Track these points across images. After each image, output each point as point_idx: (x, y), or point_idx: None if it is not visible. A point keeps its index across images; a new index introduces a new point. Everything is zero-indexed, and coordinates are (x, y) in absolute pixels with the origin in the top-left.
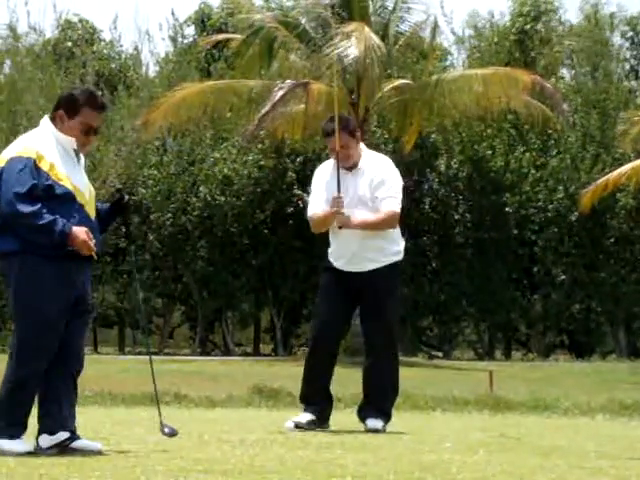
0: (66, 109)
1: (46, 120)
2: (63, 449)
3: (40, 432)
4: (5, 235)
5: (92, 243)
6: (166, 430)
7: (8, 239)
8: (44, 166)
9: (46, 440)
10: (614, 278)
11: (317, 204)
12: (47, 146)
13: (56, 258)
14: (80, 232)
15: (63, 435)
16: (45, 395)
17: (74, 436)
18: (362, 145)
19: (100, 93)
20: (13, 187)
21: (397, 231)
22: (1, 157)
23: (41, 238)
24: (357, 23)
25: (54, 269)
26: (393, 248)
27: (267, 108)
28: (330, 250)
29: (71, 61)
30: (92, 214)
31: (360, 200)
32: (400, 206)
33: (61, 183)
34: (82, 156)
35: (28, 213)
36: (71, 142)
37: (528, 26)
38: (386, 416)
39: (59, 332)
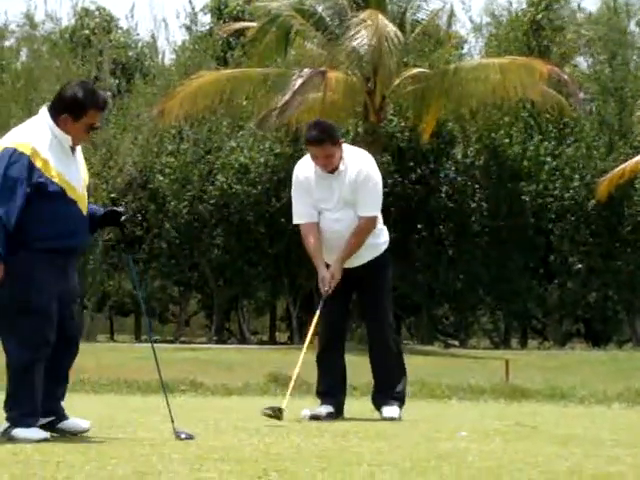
0: (71, 113)
1: (45, 112)
2: (52, 429)
3: None
4: None
5: None
6: (182, 436)
7: None
8: (38, 163)
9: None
10: (631, 266)
11: (303, 211)
12: (43, 141)
13: (46, 251)
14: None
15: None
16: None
17: (58, 419)
18: (343, 145)
19: (107, 89)
20: None
21: (381, 222)
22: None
23: None
24: (371, 11)
25: (45, 262)
26: (376, 241)
27: (288, 97)
28: (323, 247)
29: (88, 49)
30: (85, 209)
31: (345, 202)
32: (377, 207)
33: (54, 180)
34: (78, 147)
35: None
36: (68, 140)
37: (540, 15)
38: (399, 400)
39: (54, 321)
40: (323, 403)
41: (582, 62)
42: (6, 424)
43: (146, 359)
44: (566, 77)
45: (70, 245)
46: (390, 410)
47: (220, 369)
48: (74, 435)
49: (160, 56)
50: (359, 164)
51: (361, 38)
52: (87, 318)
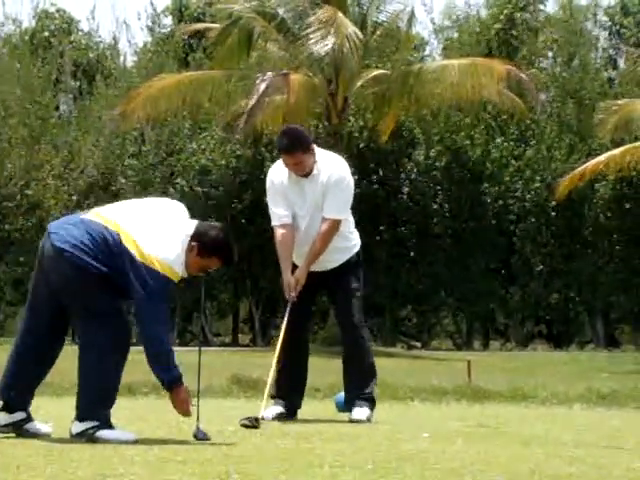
0: (204, 248)
1: (188, 236)
2: (17, 428)
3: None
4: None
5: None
6: (200, 435)
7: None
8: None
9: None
10: (592, 268)
11: (277, 214)
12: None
13: None
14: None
15: (20, 415)
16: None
17: (29, 418)
18: (316, 149)
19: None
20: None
21: (347, 227)
22: (153, 254)
23: (156, 361)
24: (332, 10)
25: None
26: (347, 244)
27: (254, 101)
28: (295, 251)
29: (48, 51)
30: None
31: (317, 206)
32: (344, 211)
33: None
34: None
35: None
36: (182, 271)
37: (518, 15)
38: (369, 402)
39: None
40: (275, 404)
41: (546, 64)
42: (85, 425)
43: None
44: (525, 77)
45: None
46: (359, 412)
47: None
48: (35, 438)
49: (121, 58)
50: (331, 168)
51: (321, 38)
52: None
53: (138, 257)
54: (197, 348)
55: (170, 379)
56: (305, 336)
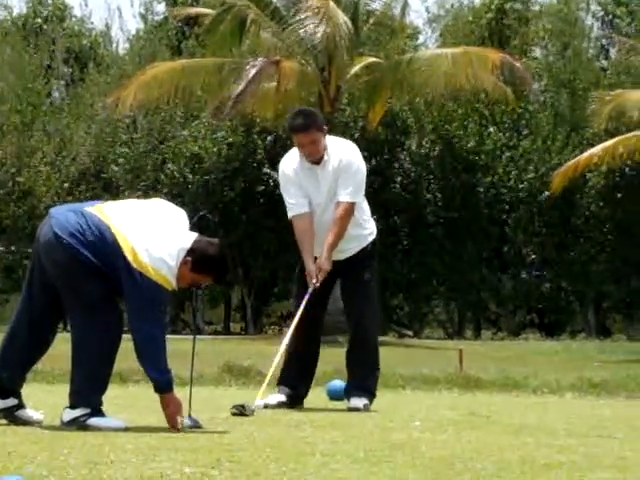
0: (198, 265)
1: (184, 250)
2: (9, 414)
3: None
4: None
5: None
6: (191, 423)
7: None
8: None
9: None
10: (584, 257)
11: (294, 203)
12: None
13: None
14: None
15: (12, 401)
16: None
17: (21, 404)
18: (327, 135)
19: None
20: (155, 317)
21: (361, 214)
22: (149, 263)
23: (146, 356)
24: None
25: None
26: (362, 232)
27: (242, 86)
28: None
29: (41, 38)
30: None
31: (331, 192)
32: (357, 195)
33: None
34: None
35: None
36: (173, 282)
37: (508, 5)
38: (368, 392)
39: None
40: (279, 392)
41: (538, 54)
42: (76, 412)
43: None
44: (518, 65)
45: None
46: (356, 401)
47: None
48: (26, 425)
49: (114, 45)
50: (341, 152)
51: (311, 26)
52: None
53: (133, 263)
54: (190, 336)
55: (163, 381)
56: (318, 326)
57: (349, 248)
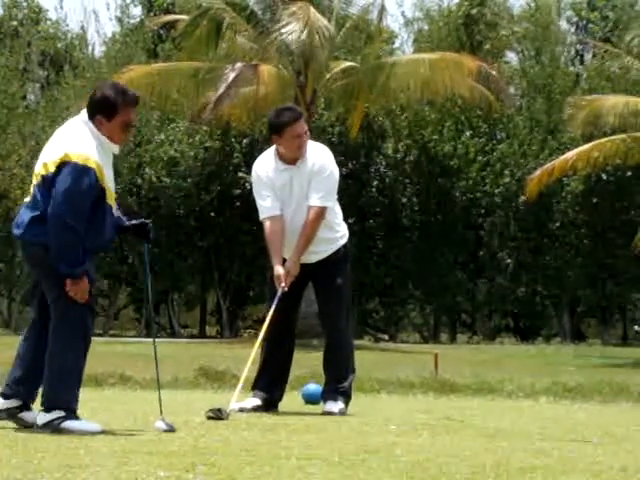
0: (104, 113)
1: (86, 121)
2: (10, 415)
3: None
4: (42, 227)
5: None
6: (165, 426)
7: (44, 231)
8: (99, 173)
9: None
10: (559, 262)
11: (266, 206)
12: (95, 151)
13: (89, 250)
14: (86, 284)
15: (15, 402)
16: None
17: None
18: None
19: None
20: (71, 193)
21: (333, 218)
22: (55, 157)
23: (59, 254)
24: (302, 3)
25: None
26: (333, 235)
27: (222, 90)
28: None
29: (16, 40)
30: (114, 211)
31: (302, 195)
32: (328, 199)
33: (105, 189)
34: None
35: (74, 228)
36: (115, 148)
37: (475, 10)
38: (344, 396)
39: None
40: (253, 396)
41: (513, 58)
42: (51, 416)
43: None
44: (494, 73)
45: (104, 245)
46: (332, 405)
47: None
48: (25, 427)
49: (90, 48)
50: (315, 156)
51: (292, 31)
52: (15, 311)
53: (50, 170)
54: (165, 340)
55: (78, 272)
56: (291, 329)
57: (320, 250)
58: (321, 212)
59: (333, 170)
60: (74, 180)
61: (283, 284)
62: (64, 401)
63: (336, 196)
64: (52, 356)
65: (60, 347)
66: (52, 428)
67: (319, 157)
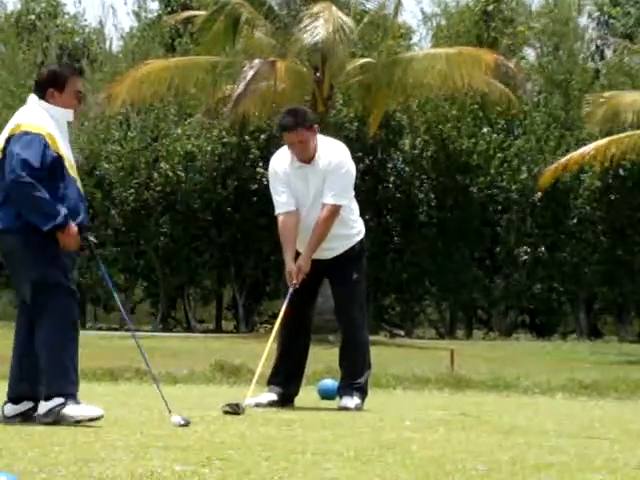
0: (55, 85)
1: (35, 98)
2: (27, 418)
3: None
4: (9, 210)
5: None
6: (177, 420)
7: (11, 215)
8: (50, 140)
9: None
10: (576, 258)
11: (281, 201)
12: (47, 122)
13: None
14: (74, 229)
15: (27, 405)
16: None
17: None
18: (318, 135)
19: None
20: (23, 157)
21: (349, 214)
22: (7, 131)
23: (36, 215)
24: (325, 3)
25: (55, 243)
26: (349, 232)
27: (241, 88)
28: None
29: (34, 35)
30: (81, 188)
31: (318, 193)
32: (343, 197)
33: (63, 159)
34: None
35: (33, 183)
36: (69, 114)
37: (491, 7)
38: (360, 392)
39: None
40: (269, 391)
41: (530, 54)
42: (51, 403)
43: (89, 346)
44: (513, 67)
45: (77, 222)
46: (348, 400)
47: (165, 357)
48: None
49: (107, 42)
50: (331, 153)
51: (316, 32)
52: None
53: (19, 129)
54: (181, 334)
55: (61, 220)
56: (306, 324)
57: (336, 247)
58: (335, 210)
59: (349, 168)
60: (24, 143)
61: (294, 281)
62: (61, 387)
63: (353, 193)
64: (42, 347)
65: (48, 336)
66: (53, 416)
67: (335, 155)
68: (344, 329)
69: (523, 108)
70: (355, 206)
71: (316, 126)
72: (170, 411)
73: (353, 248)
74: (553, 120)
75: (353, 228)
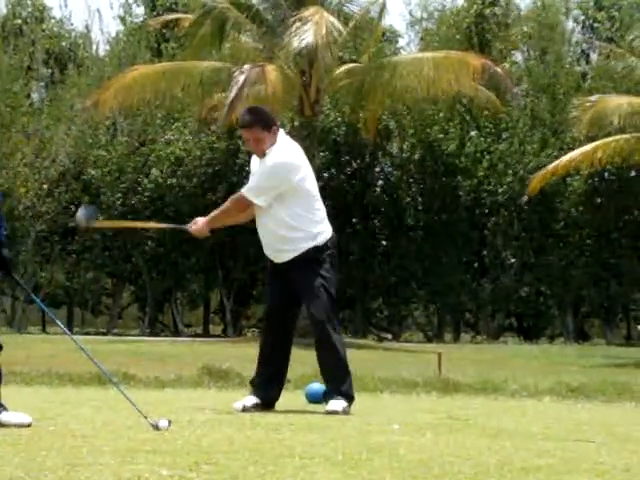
0: None
1: None
2: None
3: None
4: None
5: None
6: (164, 424)
7: None
8: None
9: None
10: (563, 262)
11: (264, 198)
12: None
13: None
14: None
15: None
16: None
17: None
18: (281, 133)
19: None
20: None
21: (292, 218)
22: None
23: None
24: (315, 7)
25: None
26: (294, 235)
27: (234, 93)
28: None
29: (20, 39)
30: None
31: None
32: (255, 195)
33: None
34: None
35: None
36: None
37: (487, 10)
38: (346, 397)
39: None
40: (250, 394)
41: (519, 58)
42: None
43: (77, 351)
44: (500, 71)
45: None
46: (334, 404)
47: (153, 361)
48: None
49: (94, 47)
50: (276, 153)
51: (305, 35)
52: (18, 309)
53: None
54: (168, 339)
55: None
56: (288, 329)
57: (282, 249)
58: (241, 198)
59: (280, 172)
60: None
61: (190, 224)
62: None
63: (271, 196)
64: None
65: None
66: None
67: (276, 155)
68: (316, 337)
69: (509, 111)
70: (303, 212)
71: (275, 128)
72: (146, 417)
73: (307, 253)
74: (539, 123)
75: (298, 232)
